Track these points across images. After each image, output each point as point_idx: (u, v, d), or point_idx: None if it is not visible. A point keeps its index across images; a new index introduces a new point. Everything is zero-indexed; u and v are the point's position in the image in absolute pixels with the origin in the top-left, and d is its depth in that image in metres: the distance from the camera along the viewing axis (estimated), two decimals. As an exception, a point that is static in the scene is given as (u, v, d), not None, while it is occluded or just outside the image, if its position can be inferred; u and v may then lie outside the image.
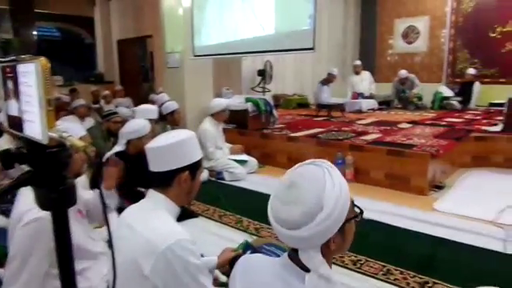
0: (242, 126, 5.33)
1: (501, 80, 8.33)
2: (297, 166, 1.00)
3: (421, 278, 2.26)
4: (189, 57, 5.45)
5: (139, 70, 9.61)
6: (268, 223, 2.77)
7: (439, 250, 2.61)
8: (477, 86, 7.62)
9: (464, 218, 3.12)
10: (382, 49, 10.03)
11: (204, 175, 4.32)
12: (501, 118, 5.11)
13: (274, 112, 5.62)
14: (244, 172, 4.41)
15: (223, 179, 4.35)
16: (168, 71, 5.86)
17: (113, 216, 2.16)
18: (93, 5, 9.45)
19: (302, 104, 8.42)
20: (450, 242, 2.72)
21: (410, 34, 9.57)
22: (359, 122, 5.93)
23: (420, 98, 8.01)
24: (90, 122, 4.94)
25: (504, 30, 8.22)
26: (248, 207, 3.40)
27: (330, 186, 0.90)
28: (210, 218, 3.29)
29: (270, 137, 5.08)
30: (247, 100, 5.44)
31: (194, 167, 1.40)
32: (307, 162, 1.00)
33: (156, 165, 1.37)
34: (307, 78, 9.31)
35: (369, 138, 4.57)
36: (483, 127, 5.17)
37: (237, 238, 2.72)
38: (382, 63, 9.96)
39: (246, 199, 3.76)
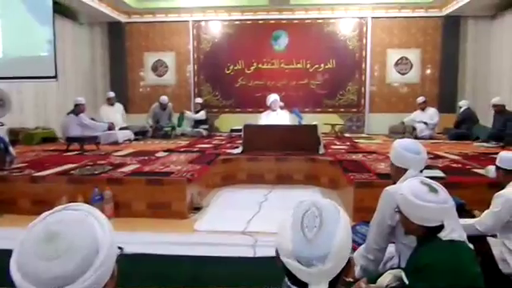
0: (-36, 170, 4.21)
1: (237, 110, 9.85)
2: (45, 215, 0.84)
3: (189, 301, 2.29)
4: None
5: None
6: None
7: (203, 268, 2.74)
8: (202, 113, 8.78)
9: (221, 233, 3.42)
10: (134, 80, 10.16)
11: None
12: (240, 141, 5.98)
13: (11, 149, 4.71)
14: (-30, 228, 3.47)
15: None
16: None
17: None
18: None
19: (49, 138, 7.44)
20: (211, 258, 2.90)
21: (159, 68, 10.10)
22: (116, 153, 5.72)
23: (173, 128, 8.52)
24: None
25: (236, 68, 9.80)
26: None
27: (99, 228, 0.83)
28: None
29: (7, 179, 4.20)
30: (-30, 137, 4.36)
31: None
32: (58, 208, 0.86)
33: None
34: (52, 109, 8.37)
35: (127, 169, 4.44)
36: (228, 150, 5.92)
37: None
38: (136, 94, 10.08)
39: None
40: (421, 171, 2.15)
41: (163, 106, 8.58)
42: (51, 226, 0.80)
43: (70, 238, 0.78)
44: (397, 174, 2.17)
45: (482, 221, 2.38)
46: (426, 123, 7.95)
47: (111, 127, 7.13)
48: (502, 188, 2.53)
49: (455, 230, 1.62)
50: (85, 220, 0.83)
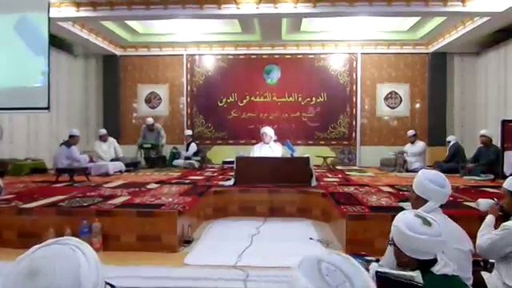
0: (-51, 201, 4.11)
1: (230, 141, 9.89)
2: (35, 248, 0.81)
3: None
4: None
5: None
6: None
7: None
8: (192, 145, 8.81)
9: (212, 268, 3.33)
10: (127, 111, 10.21)
11: None
12: (232, 173, 5.95)
13: (-1, 180, 4.65)
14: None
15: None
16: None
17: None
18: None
19: (38, 169, 7.35)
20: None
21: (152, 100, 10.19)
22: (106, 185, 5.65)
23: (154, 146, 8.71)
24: None
25: (228, 100, 9.93)
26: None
27: (85, 265, 0.79)
28: None
29: (-7, 211, 4.10)
30: (-42, 167, 4.29)
31: None
32: (48, 242, 0.83)
33: None
34: (43, 140, 8.34)
35: (117, 201, 4.37)
36: (220, 182, 5.89)
37: None
38: (128, 125, 10.10)
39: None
40: (441, 206, 2.12)
41: (149, 128, 8.90)
42: (35, 261, 0.78)
43: (50, 275, 0.75)
44: (416, 203, 2.12)
45: (479, 243, 2.34)
46: (405, 153, 8.10)
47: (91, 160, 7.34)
48: (508, 215, 2.50)
49: (448, 264, 1.60)
50: (71, 256, 0.80)
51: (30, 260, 0.78)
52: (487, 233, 2.45)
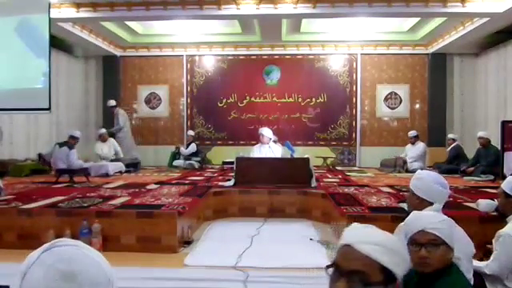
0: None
1: (230, 142, 9.89)
2: (37, 255, 0.76)
3: None
4: None
5: None
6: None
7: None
8: (192, 145, 8.79)
9: (212, 268, 3.33)
10: (127, 112, 10.18)
11: None
12: (232, 174, 5.96)
13: (-1, 181, 4.65)
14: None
15: None
16: None
17: None
18: None
19: (38, 170, 7.35)
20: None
21: (152, 100, 10.19)
22: (106, 186, 5.65)
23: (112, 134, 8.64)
24: None
25: (228, 101, 9.93)
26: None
27: (100, 261, 0.79)
28: None
29: (-8, 212, 4.10)
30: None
31: None
32: (46, 246, 0.78)
33: None
34: (43, 141, 8.33)
35: (117, 202, 4.37)
36: (220, 183, 5.89)
37: None
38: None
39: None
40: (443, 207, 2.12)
41: (111, 110, 8.89)
42: (59, 265, 0.74)
43: (86, 274, 0.75)
44: (419, 206, 2.07)
45: (490, 265, 2.30)
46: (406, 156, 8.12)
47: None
48: (502, 215, 2.49)
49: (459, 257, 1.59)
50: (83, 255, 0.78)
51: (48, 267, 0.74)
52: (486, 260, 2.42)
